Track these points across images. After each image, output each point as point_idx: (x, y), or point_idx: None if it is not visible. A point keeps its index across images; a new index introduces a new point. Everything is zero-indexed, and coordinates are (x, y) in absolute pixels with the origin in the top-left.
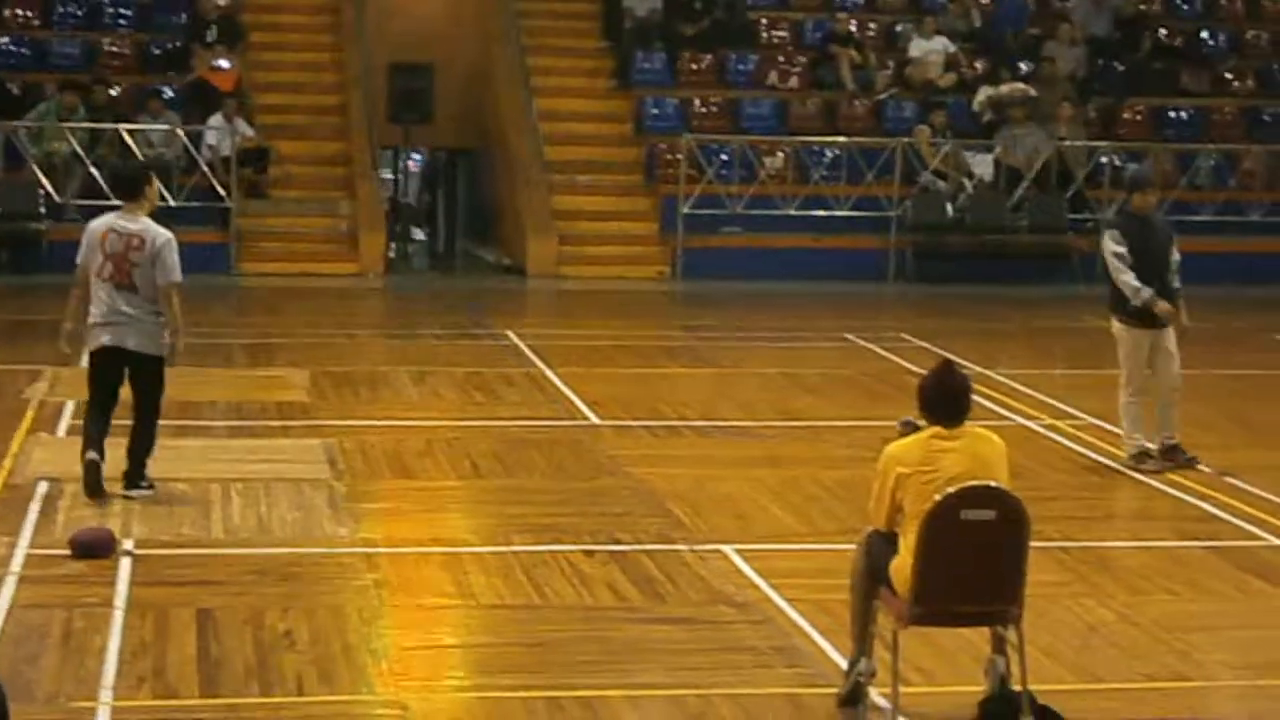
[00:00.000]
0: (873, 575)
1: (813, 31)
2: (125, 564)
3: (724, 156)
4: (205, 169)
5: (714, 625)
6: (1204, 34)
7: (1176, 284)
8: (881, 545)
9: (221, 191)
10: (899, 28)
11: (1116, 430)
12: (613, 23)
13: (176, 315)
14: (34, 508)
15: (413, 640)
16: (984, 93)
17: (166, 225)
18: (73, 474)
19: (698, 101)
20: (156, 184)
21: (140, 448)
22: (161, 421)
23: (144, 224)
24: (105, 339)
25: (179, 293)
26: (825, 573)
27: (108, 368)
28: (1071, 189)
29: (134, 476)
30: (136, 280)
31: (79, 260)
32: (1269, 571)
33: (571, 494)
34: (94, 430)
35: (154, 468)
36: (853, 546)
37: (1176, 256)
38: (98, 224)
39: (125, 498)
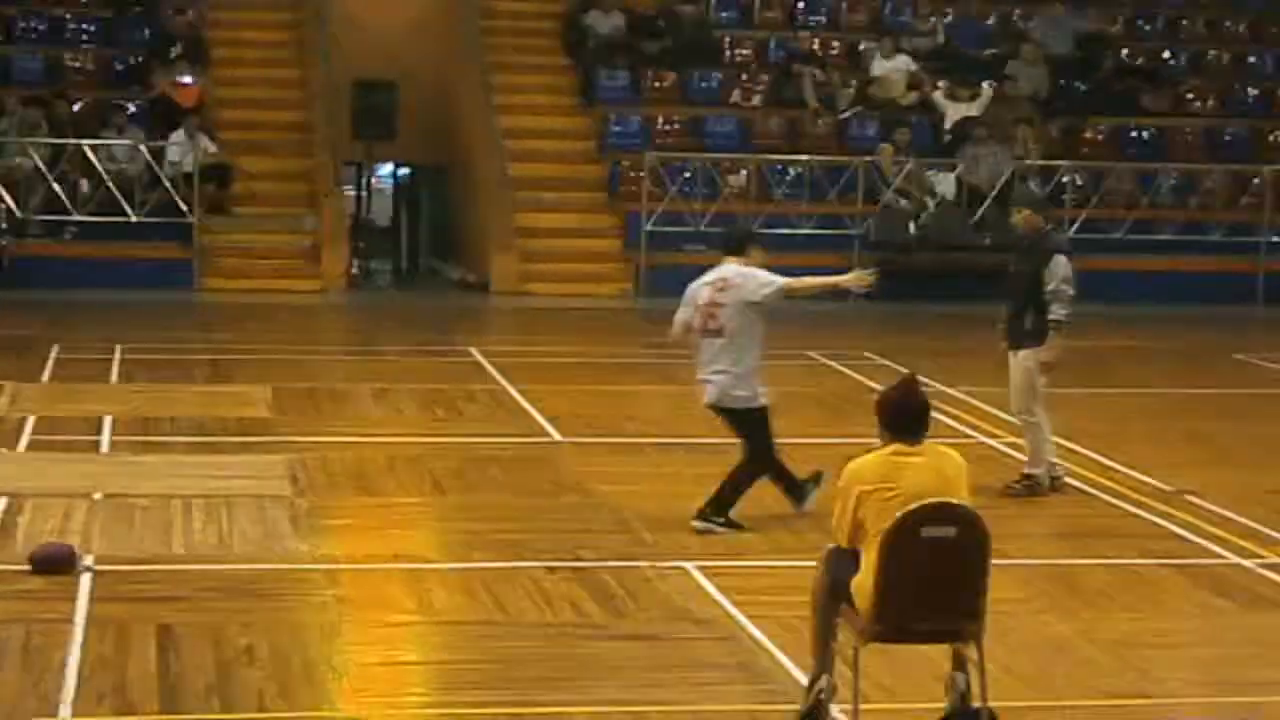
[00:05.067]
0: (834, 592)
1: (776, 50)
2: (85, 580)
3: (687, 174)
4: (168, 185)
5: (676, 642)
6: (1165, 54)
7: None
8: (843, 562)
9: (184, 207)
10: (862, 47)
11: (1078, 449)
12: (576, 40)
13: (810, 284)
14: None
15: (374, 657)
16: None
17: (128, 241)
18: (32, 489)
19: (661, 119)
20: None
21: (729, 486)
22: (121, 437)
23: (730, 268)
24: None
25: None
26: (787, 589)
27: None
28: None
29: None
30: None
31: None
32: (1229, 590)
33: (533, 510)
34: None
35: (111, 483)
36: (815, 564)
37: (1050, 285)
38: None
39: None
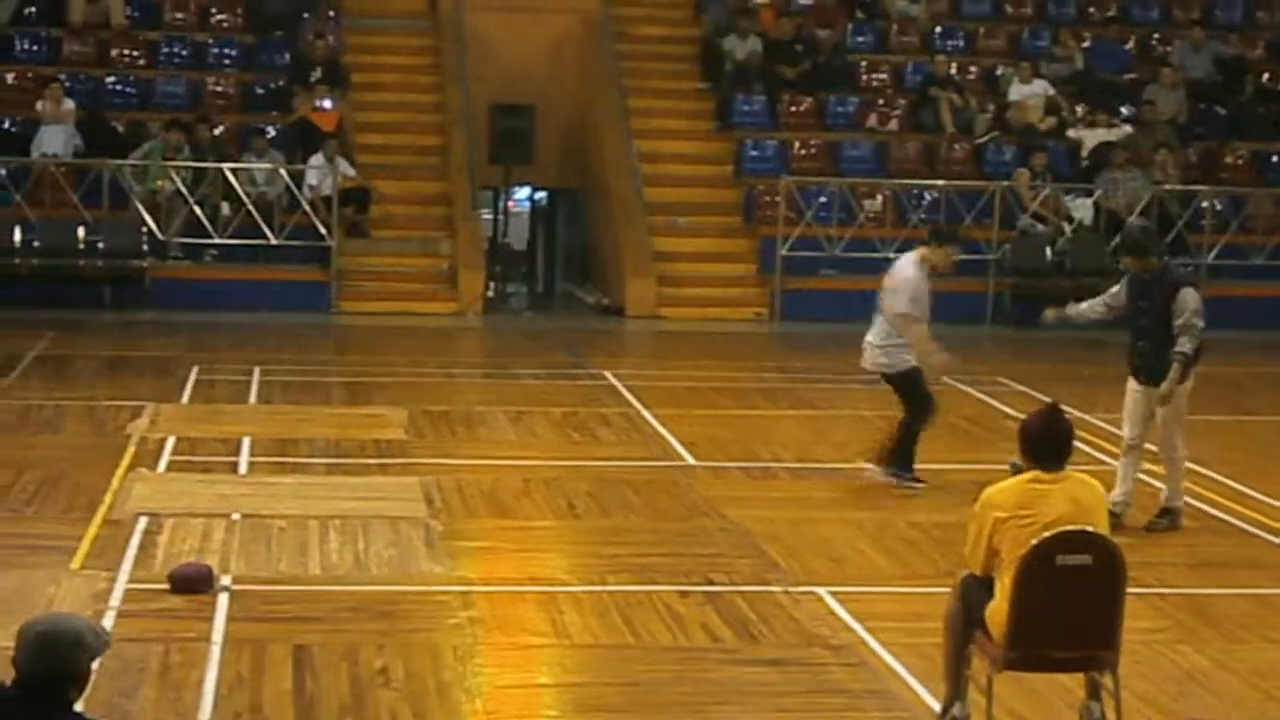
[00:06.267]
0: (968, 619)
1: (912, 74)
2: (223, 599)
3: (823, 199)
4: (307, 208)
5: (808, 667)
6: None
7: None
8: (977, 589)
9: (323, 230)
10: (999, 71)
11: (1215, 476)
12: (713, 65)
13: (912, 339)
14: (134, 543)
15: (507, 679)
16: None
17: (267, 264)
18: (171, 509)
19: (797, 144)
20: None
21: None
22: (259, 458)
23: (905, 261)
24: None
25: (903, 321)
26: (920, 616)
27: None
28: (1171, 233)
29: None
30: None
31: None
32: None
33: (667, 535)
34: None
35: (249, 504)
36: (948, 590)
37: (1180, 319)
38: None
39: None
